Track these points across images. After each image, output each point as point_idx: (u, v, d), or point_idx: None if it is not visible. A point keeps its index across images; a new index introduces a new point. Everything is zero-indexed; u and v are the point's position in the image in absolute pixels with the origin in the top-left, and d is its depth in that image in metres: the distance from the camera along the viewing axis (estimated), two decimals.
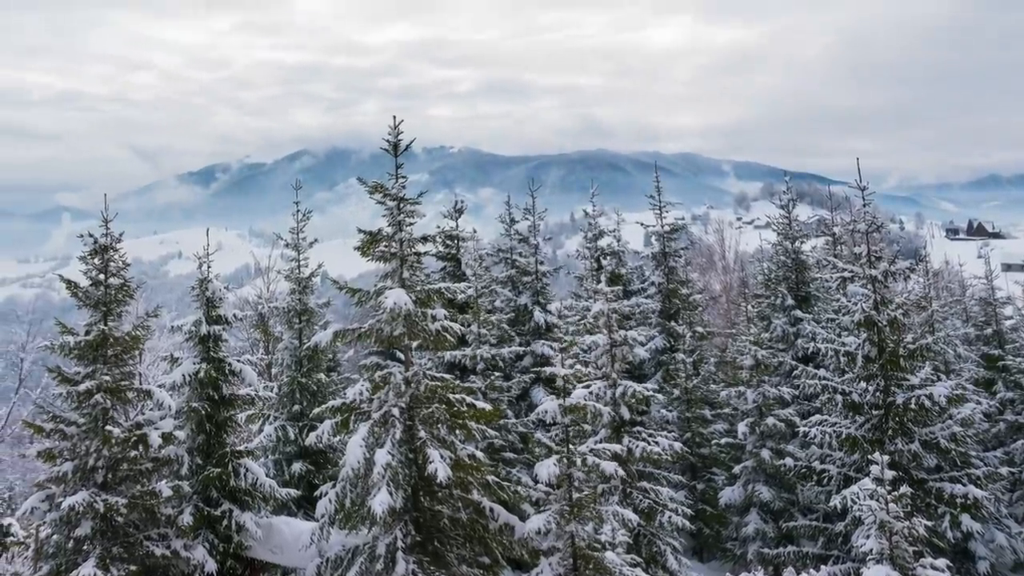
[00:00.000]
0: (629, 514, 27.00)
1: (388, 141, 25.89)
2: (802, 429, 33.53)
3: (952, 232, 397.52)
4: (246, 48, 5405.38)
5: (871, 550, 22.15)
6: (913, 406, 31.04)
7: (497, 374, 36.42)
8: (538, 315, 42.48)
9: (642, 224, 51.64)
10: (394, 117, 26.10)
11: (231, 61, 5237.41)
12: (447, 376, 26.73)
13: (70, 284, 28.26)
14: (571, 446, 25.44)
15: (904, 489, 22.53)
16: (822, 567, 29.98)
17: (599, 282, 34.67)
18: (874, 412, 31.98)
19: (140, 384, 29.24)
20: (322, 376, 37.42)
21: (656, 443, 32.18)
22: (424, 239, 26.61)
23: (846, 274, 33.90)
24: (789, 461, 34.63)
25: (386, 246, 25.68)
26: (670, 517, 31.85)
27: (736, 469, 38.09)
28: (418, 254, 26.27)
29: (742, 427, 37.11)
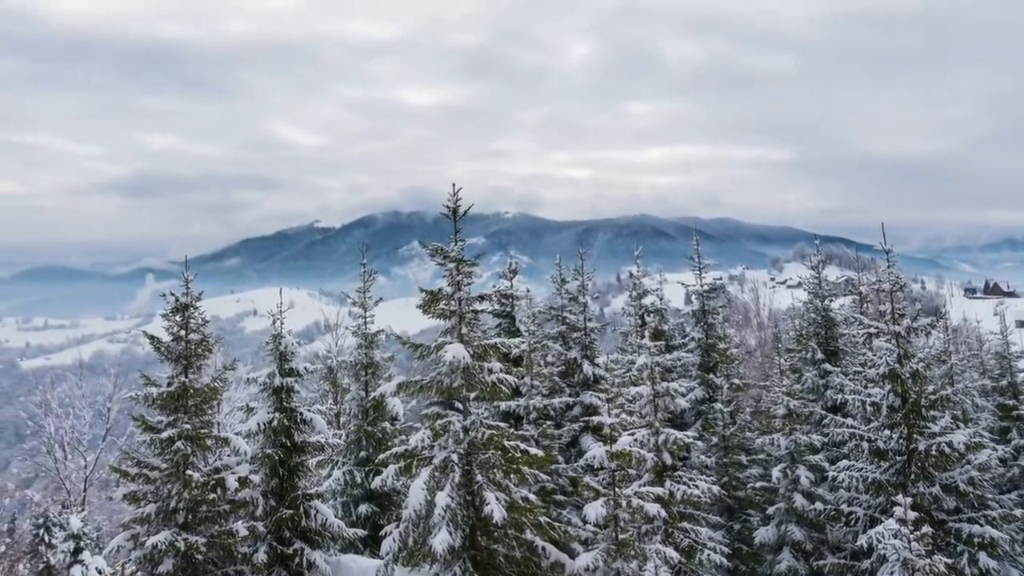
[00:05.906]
0: (671, 552, 26.89)
1: (448, 207, 26.09)
2: (831, 474, 33.40)
3: (970, 291, 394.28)
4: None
5: None
6: (934, 452, 30.83)
7: (548, 423, 36.39)
8: (587, 368, 42.35)
9: (683, 284, 51.70)
10: (453, 185, 26.39)
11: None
12: (502, 424, 26.79)
13: (153, 339, 28.67)
14: (617, 489, 25.51)
15: (925, 529, 22.49)
16: None
17: (643, 337, 34.52)
18: (897, 458, 31.80)
19: (218, 432, 29.62)
20: (386, 425, 37.40)
21: (696, 486, 32.08)
22: (481, 298, 26.76)
23: (872, 330, 33.86)
24: (819, 504, 34.55)
25: (446, 304, 25.89)
26: (709, 555, 31.67)
27: (770, 511, 37.79)
28: (475, 312, 26.44)
29: (776, 472, 36.88)
